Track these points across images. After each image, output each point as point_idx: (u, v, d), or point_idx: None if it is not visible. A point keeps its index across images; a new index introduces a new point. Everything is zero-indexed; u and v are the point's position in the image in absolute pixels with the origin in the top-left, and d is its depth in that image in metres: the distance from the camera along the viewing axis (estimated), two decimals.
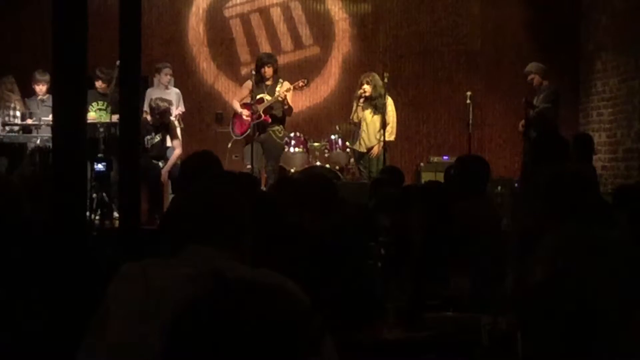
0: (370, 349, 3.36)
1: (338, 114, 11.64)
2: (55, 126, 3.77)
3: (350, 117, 10.12)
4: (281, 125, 9.91)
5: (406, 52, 12.32)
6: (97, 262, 3.76)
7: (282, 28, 12.35)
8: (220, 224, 2.43)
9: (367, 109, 9.93)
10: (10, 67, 10.49)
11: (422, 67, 12.33)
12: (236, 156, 10.23)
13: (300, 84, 10.01)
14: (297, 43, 12.35)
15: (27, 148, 9.22)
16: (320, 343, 1.37)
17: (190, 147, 9.86)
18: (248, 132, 9.80)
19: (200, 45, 12.24)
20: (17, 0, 11.84)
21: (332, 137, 10.40)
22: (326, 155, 10.35)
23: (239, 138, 10.04)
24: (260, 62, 9.87)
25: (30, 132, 9.56)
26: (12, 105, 9.83)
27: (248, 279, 1.45)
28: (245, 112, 9.84)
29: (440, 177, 8.06)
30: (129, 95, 5.26)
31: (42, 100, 9.90)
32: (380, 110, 9.85)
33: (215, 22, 12.26)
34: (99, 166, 8.77)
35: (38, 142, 9.22)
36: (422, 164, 11.51)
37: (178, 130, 10.00)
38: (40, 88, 9.96)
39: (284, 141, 9.98)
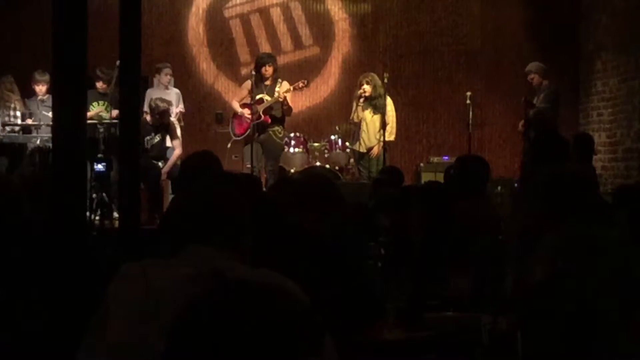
0: (370, 349, 3.36)
1: (338, 114, 11.64)
2: (55, 126, 3.76)
3: (350, 118, 10.12)
4: (281, 126, 9.91)
5: (406, 52, 12.33)
6: (97, 262, 3.76)
7: (282, 28, 12.36)
8: (220, 224, 2.43)
9: (366, 109, 9.93)
10: (10, 67, 10.49)
11: (422, 67, 12.34)
12: (236, 156, 10.23)
13: (301, 84, 10.01)
14: (297, 43, 12.35)
15: (27, 148, 9.23)
16: (320, 343, 1.37)
17: (190, 147, 9.86)
18: (248, 132, 9.80)
19: (200, 46, 12.24)
20: (17, 0, 11.84)
21: (332, 137, 10.40)
22: (326, 155, 10.35)
23: (238, 138, 10.04)
24: (261, 61, 9.87)
25: (30, 132, 9.57)
26: (12, 105, 9.83)
27: (248, 279, 1.46)
28: (245, 113, 9.84)
29: (440, 177, 8.06)
30: (128, 95, 5.26)
31: (42, 101, 9.90)
32: (380, 110, 9.86)
33: (215, 22, 12.26)
34: (99, 166, 8.77)
35: (38, 142, 9.23)
36: (422, 164, 11.51)
37: (178, 130, 10.00)
38: (40, 88, 9.96)
39: (284, 141, 9.98)
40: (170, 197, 8.78)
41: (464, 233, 4.51)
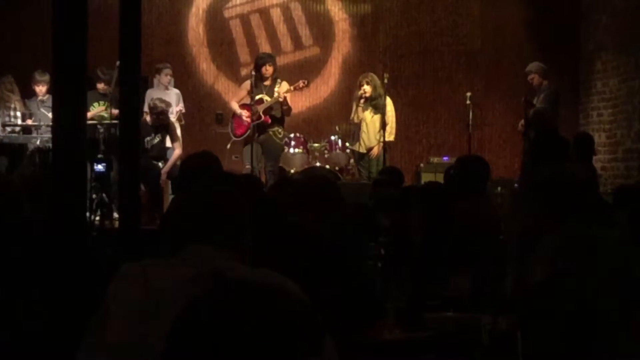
0: (370, 349, 3.36)
1: (338, 114, 11.64)
2: (55, 126, 3.76)
3: (351, 118, 10.12)
4: (281, 126, 9.91)
5: (406, 52, 12.33)
6: (97, 262, 3.76)
7: (282, 29, 12.36)
8: (220, 224, 2.43)
9: (367, 109, 9.93)
10: (10, 67, 10.49)
11: (422, 67, 12.34)
12: (236, 157, 10.22)
13: (301, 84, 10.00)
14: (297, 43, 12.35)
15: (27, 149, 9.22)
16: (321, 343, 1.37)
17: (190, 147, 9.87)
18: (248, 133, 9.80)
19: (200, 46, 12.24)
20: (17, 0, 11.84)
21: (332, 137, 10.39)
22: (326, 155, 10.35)
23: (238, 139, 10.04)
24: (261, 61, 9.86)
25: (30, 132, 9.56)
26: (12, 105, 9.83)
27: (248, 279, 1.46)
28: (245, 113, 9.83)
29: (440, 177, 8.06)
30: (128, 96, 5.26)
31: (42, 101, 9.89)
32: (380, 110, 9.86)
33: (215, 22, 12.26)
34: (99, 167, 8.77)
35: (38, 142, 9.22)
36: (422, 165, 11.50)
37: (178, 131, 10.01)
38: (40, 89, 9.96)
39: (284, 142, 9.98)
40: (170, 197, 8.78)
41: (464, 233, 4.52)
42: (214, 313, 1.32)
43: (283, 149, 10.00)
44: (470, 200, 5.06)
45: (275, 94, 9.71)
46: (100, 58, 9.25)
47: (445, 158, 11.19)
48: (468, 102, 10.23)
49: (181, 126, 10.42)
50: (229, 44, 12.29)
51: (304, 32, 12.37)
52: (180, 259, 2.36)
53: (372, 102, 9.89)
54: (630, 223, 4.21)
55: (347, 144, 10.26)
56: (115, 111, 9.06)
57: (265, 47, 11.97)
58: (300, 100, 11.86)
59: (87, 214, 6.97)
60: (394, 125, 10.09)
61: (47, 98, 9.68)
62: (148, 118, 9.51)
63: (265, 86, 9.79)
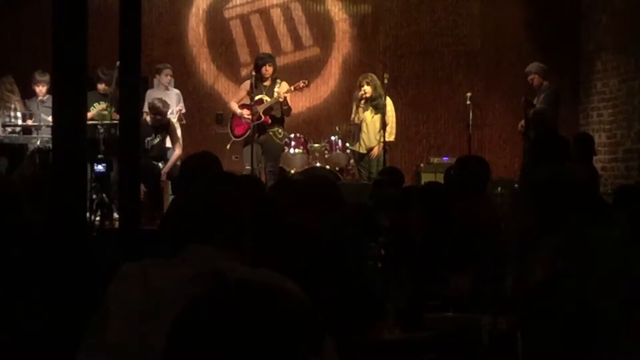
0: (370, 350, 3.36)
1: (338, 114, 11.64)
2: (55, 127, 3.76)
3: (351, 119, 10.13)
4: (281, 126, 9.91)
5: (406, 53, 12.33)
6: (97, 262, 3.76)
7: (282, 29, 12.36)
8: (220, 224, 2.43)
9: (367, 109, 9.94)
10: (10, 68, 10.49)
11: (422, 67, 12.34)
12: (236, 157, 10.22)
13: (301, 84, 10.00)
14: (297, 44, 12.35)
15: (28, 149, 9.22)
16: (321, 343, 1.37)
17: (190, 147, 9.88)
18: (248, 133, 9.80)
19: (200, 46, 12.24)
20: (17, 0, 11.84)
21: (332, 138, 10.39)
22: (326, 156, 10.35)
23: (238, 139, 10.04)
24: (261, 61, 9.86)
25: (30, 133, 9.56)
26: (12, 106, 9.82)
27: (248, 279, 1.45)
28: (245, 114, 9.83)
29: (440, 178, 8.05)
30: (129, 96, 5.25)
31: (42, 101, 9.89)
32: (380, 110, 9.86)
33: (215, 23, 12.26)
34: (99, 167, 8.77)
35: (38, 143, 9.22)
36: (422, 165, 11.50)
37: (178, 131, 10.01)
38: (40, 89, 9.95)
39: (284, 142, 9.98)
40: (170, 197, 8.78)
41: (464, 233, 4.52)
42: (214, 313, 1.32)
43: (283, 149, 9.99)
44: (471, 201, 5.06)
45: (275, 94, 9.71)
46: (100, 58, 9.25)
47: (445, 158, 11.19)
48: (468, 102, 10.23)
49: (182, 126, 10.41)
50: (229, 44, 12.29)
51: (304, 32, 12.37)
52: (180, 259, 2.36)
53: (373, 103, 9.89)
54: (630, 223, 4.21)
55: (347, 144, 10.26)
56: (116, 115, 9.07)
57: (265, 48, 11.97)
58: (301, 100, 11.86)
59: (87, 214, 6.97)
60: (394, 125, 10.10)
61: (47, 98, 9.67)
62: (148, 118, 9.51)
63: (265, 86, 9.79)
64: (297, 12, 12.36)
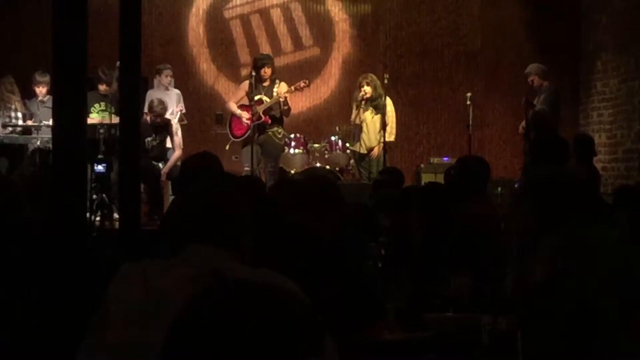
0: (371, 350, 3.36)
1: (338, 115, 11.64)
2: (55, 127, 3.76)
3: (352, 120, 10.13)
4: (280, 126, 9.91)
5: (406, 53, 12.33)
6: (98, 262, 3.76)
7: (282, 29, 12.36)
8: (220, 224, 2.43)
9: (367, 110, 9.94)
10: (10, 68, 10.48)
11: (422, 67, 12.34)
12: (236, 157, 10.22)
13: (302, 84, 9.99)
14: (297, 44, 12.35)
15: (28, 149, 9.22)
16: (321, 343, 1.37)
17: (190, 147, 9.88)
18: (248, 133, 9.80)
19: (200, 46, 12.24)
20: (17, 0, 11.84)
21: (332, 138, 10.39)
22: (326, 156, 10.35)
23: (238, 140, 10.03)
24: (261, 62, 9.86)
25: (30, 133, 9.56)
26: (13, 106, 9.82)
27: (248, 279, 1.45)
28: (244, 115, 9.83)
29: (441, 178, 8.05)
30: (129, 96, 5.26)
31: (42, 102, 9.89)
32: (380, 110, 9.86)
33: (216, 23, 12.26)
34: (99, 167, 8.77)
35: (38, 143, 9.22)
36: (422, 165, 11.49)
37: (179, 132, 10.01)
38: (41, 90, 9.95)
39: (283, 142, 9.97)
40: (171, 198, 8.79)
41: (464, 233, 4.51)
42: (214, 313, 1.32)
43: (283, 149, 9.99)
44: (471, 201, 5.06)
45: (275, 95, 9.71)
46: (100, 58, 9.25)
47: (445, 158, 11.19)
48: (468, 102, 10.22)
49: (182, 126, 10.41)
50: (229, 44, 12.29)
51: (304, 32, 12.37)
52: (180, 259, 2.36)
53: (373, 103, 9.90)
54: (630, 223, 4.21)
55: (347, 145, 10.26)
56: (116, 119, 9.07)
57: (265, 48, 11.97)
58: (301, 100, 11.86)
59: (88, 214, 6.97)
60: (394, 125, 10.10)
61: (48, 99, 9.67)
62: (148, 118, 9.50)
63: (264, 87, 9.79)
64: (297, 12, 12.36)
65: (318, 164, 10.22)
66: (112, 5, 9.61)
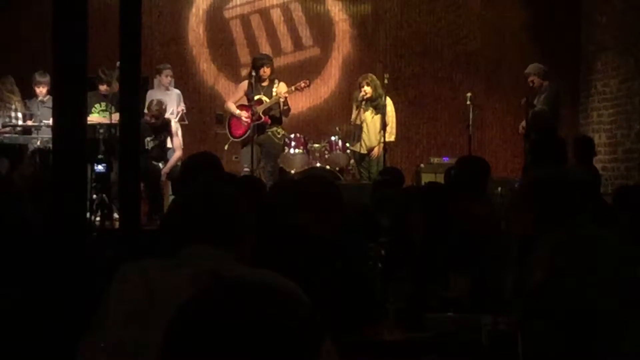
0: (371, 350, 3.36)
1: (338, 115, 11.64)
2: (55, 127, 3.77)
3: (352, 120, 10.13)
4: (280, 126, 9.91)
5: (406, 53, 12.33)
6: (98, 262, 3.76)
7: (282, 29, 12.35)
8: (220, 224, 2.43)
9: (367, 110, 9.94)
10: (10, 68, 10.48)
11: (422, 67, 12.34)
12: (236, 157, 10.22)
13: (302, 84, 9.99)
14: (297, 44, 12.35)
15: (28, 149, 9.22)
16: (321, 344, 1.37)
17: (191, 147, 9.87)
18: (248, 133, 9.80)
19: (201, 47, 12.24)
20: (17, 0, 11.84)
21: (332, 138, 10.38)
22: (326, 156, 10.34)
23: (237, 140, 10.03)
24: (260, 62, 9.86)
25: (30, 133, 9.56)
26: (13, 106, 9.82)
27: (248, 279, 1.45)
28: (244, 113, 9.83)
29: (441, 178, 8.05)
30: (129, 96, 5.26)
31: (43, 102, 9.89)
32: (380, 110, 9.86)
33: (216, 23, 12.26)
34: (99, 167, 8.77)
35: (38, 143, 9.22)
36: (422, 165, 11.49)
37: (179, 132, 10.00)
38: (41, 90, 9.95)
39: (283, 142, 9.97)
40: (171, 198, 8.78)
41: (464, 233, 4.51)
42: (214, 313, 1.32)
43: (283, 149, 9.99)
44: (471, 201, 5.06)
45: (274, 95, 9.71)
46: (100, 58, 9.25)
47: (445, 158, 11.18)
48: (468, 102, 10.21)
49: (182, 126, 10.40)
50: (230, 44, 12.29)
51: (304, 32, 12.37)
52: (180, 259, 2.36)
53: (373, 103, 9.90)
54: (630, 224, 4.21)
55: (347, 145, 10.26)
56: (116, 116, 9.06)
57: (265, 48, 11.97)
58: (301, 100, 11.86)
59: (88, 214, 6.97)
60: (394, 125, 10.10)
61: (48, 99, 9.67)
62: (148, 119, 9.50)
63: (263, 87, 9.79)
64: (297, 12, 12.36)
65: (318, 164, 10.21)
66: (112, 5, 9.62)
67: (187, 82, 11.88)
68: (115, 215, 8.43)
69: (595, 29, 11.64)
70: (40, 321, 3.21)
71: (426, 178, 10.34)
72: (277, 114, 9.81)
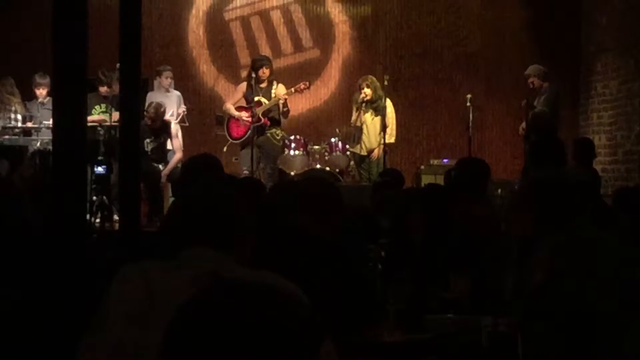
0: (370, 351, 3.36)
1: (338, 116, 11.64)
2: (55, 128, 3.77)
3: (352, 121, 10.13)
4: (279, 128, 9.91)
5: (406, 54, 12.33)
6: (97, 264, 3.76)
7: (282, 31, 12.36)
8: (221, 225, 2.43)
9: (367, 112, 9.94)
10: (10, 70, 10.48)
11: (422, 68, 12.34)
12: (236, 159, 10.22)
13: (302, 86, 10.00)
14: (297, 46, 12.35)
15: (28, 151, 9.23)
16: (320, 345, 1.37)
17: (191, 149, 9.88)
18: (247, 135, 9.80)
19: (201, 48, 12.24)
20: (17, 1, 11.84)
21: (332, 139, 10.38)
22: (326, 158, 10.34)
23: (237, 142, 10.03)
24: (259, 63, 9.87)
25: (30, 135, 9.56)
26: (13, 108, 9.83)
27: (248, 280, 1.45)
28: (243, 114, 9.83)
29: (441, 179, 8.06)
30: (129, 98, 5.26)
31: (43, 104, 9.89)
32: (380, 112, 9.86)
33: (216, 24, 12.26)
34: (99, 169, 8.77)
35: (38, 144, 9.23)
36: (422, 167, 11.49)
37: (180, 133, 10.00)
38: (41, 92, 9.95)
39: (282, 143, 9.97)
40: (171, 199, 8.78)
41: (464, 235, 4.51)
42: (214, 314, 1.32)
43: (282, 151, 9.99)
44: (471, 202, 5.06)
45: (274, 96, 9.72)
46: (100, 59, 9.24)
47: (445, 160, 11.18)
48: (468, 103, 10.21)
49: (182, 128, 10.40)
50: (229, 46, 12.29)
51: (304, 34, 12.37)
52: (180, 260, 2.36)
53: (373, 105, 9.90)
54: (630, 226, 4.22)
55: (347, 146, 10.26)
56: (116, 115, 9.05)
57: (265, 49, 11.97)
58: (301, 102, 11.86)
59: (88, 216, 6.97)
60: (394, 127, 10.10)
61: (48, 101, 9.67)
62: (148, 120, 9.50)
63: (262, 88, 9.80)
64: (297, 14, 12.36)
65: (318, 166, 10.21)
66: (112, 6, 9.63)
67: (187, 84, 11.88)
68: (115, 217, 8.44)
69: (595, 30, 11.64)
70: (41, 322, 3.21)
71: (426, 180, 10.34)
72: (277, 116, 9.81)
